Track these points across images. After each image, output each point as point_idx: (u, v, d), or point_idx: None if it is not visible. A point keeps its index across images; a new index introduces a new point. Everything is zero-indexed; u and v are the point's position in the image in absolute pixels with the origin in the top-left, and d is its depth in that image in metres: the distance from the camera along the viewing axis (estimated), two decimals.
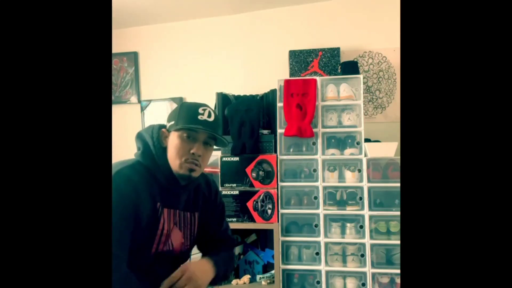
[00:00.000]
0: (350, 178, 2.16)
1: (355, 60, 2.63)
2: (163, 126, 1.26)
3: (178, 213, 1.25)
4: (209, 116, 1.21)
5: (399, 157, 1.89)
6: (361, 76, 2.23)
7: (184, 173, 1.19)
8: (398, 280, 2.07)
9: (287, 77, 2.68)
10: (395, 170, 2.11)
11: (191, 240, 1.32)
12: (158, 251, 1.20)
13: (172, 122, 1.22)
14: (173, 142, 1.20)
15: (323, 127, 2.21)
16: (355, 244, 2.14)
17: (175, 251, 1.25)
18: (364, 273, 2.10)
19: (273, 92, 2.36)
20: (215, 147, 1.29)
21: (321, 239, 2.15)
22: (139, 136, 1.26)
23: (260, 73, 2.79)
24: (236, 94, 2.51)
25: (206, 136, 1.21)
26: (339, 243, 2.16)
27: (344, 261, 2.14)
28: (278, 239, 2.17)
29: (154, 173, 1.20)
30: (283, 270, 2.17)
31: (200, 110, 1.21)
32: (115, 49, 3.05)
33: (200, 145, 1.20)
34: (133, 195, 1.11)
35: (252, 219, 2.23)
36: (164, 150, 1.22)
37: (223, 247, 1.39)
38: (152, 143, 1.22)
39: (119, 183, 1.10)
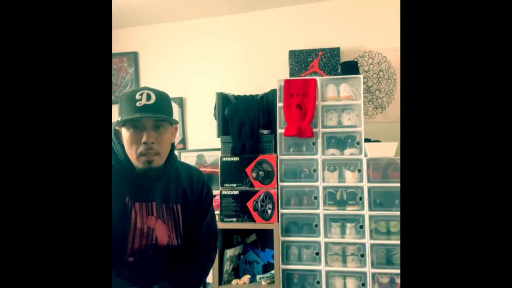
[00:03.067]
0: (350, 178, 2.16)
1: (355, 60, 2.63)
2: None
3: (155, 206, 1.21)
4: (148, 98, 1.13)
5: (399, 157, 1.89)
6: (361, 76, 2.23)
7: (144, 166, 1.14)
8: (398, 280, 2.07)
9: (287, 77, 2.68)
10: (395, 170, 2.11)
11: (178, 233, 1.25)
12: (139, 247, 1.16)
13: (118, 118, 1.18)
14: (124, 137, 1.17)
15: (323, 127, 2.21)
16: (355, 244, 2.14)
17: (159, 244, 1.20)
18: (364, 273, 2.10)
19: (273, 92, 2.36)
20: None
21: (321, 239, 2.15)
22: None
23: (260, 73, 2.79)
24: (236, 94, 2.51)
25: (152, 120, 1.14)
26: (339, 243, 2.16)
27: (344, 261, 2.14)
28: (278, 239, 2.17)
29: (121, 171, 1.16)
30: (283, 270, 2.17)
31: (137, 96, 1.13)
32: (115, 49, 3.05)
33: (150, 132, 1.13)
34: None
35: (252, 219, 2.23)
36: (122, 147, 1.18)
37: (195, 252, 1.30)
38: (112, 143, 1.19)
39: None
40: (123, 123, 1.15)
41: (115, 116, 1.26)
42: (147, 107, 1.12)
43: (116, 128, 1.21)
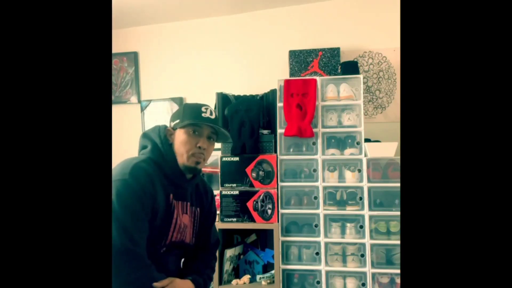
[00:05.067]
0: (350, 178, 2.16)
1: (355, 60, 2.63)
2: (167, 126, 1.38)
3: (188, 205, 1.37)
4: (211, 114, 1.34)
5: (399, 157, 1.89)
6: (361, 76, 2.23)
7: (191, 165, 1.31)
8: (398, 280, 2.07)
9: (287, 77, 2.68)
10: (395, 170, 2.11)
11: (194, 234, 1.42)
12: (172, 240, 1.30)
13: (177, 121, 1.34)
14: (179, 138, 1.32)
15: (323, 127, 2.21)
16: (355, 244, 2.14)
17: (185, 242, 1.36)
18: (364, 273, 2.10)
19: (273, 92, 2.36)
20: (215, 146, 1.41)
21: (321, 239, 2.15)
22: (146, 136, 1.36)
23: (260, 73, 2.79)
24: (236, 94, 2.51)
25: (210, 131, 1.34)
26: (339, 243, 2.16)
27: (344, 261, 2.14)
28: (278, 239, 2.17)
29: (163, 167, 1.30)
30: (283, 270, 2.17)
31: (203, 109, 1.33)
32: (115, 49, 3.05)
33: (205, 139, 1.32)
34: (150, 186, 1.21)
35: (252, 219, 2.23)
36: (170, 146, 1.33)
37: (206, 256, 1.48)
38: (160, 141, 1.32)
39: (138, 175, 1.20)
40: (185, 125, 1.31)
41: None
42: (210, 120, 1.33)
43: (168, 128, 1.36)
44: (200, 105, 1.35)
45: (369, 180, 2.13)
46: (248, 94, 2.51)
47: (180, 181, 1.33)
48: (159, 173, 1.28)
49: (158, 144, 1.32)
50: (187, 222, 1.36)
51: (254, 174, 2.25)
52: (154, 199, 1.22)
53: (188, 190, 1.38)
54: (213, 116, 1.34)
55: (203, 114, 1.32)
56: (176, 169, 1.32)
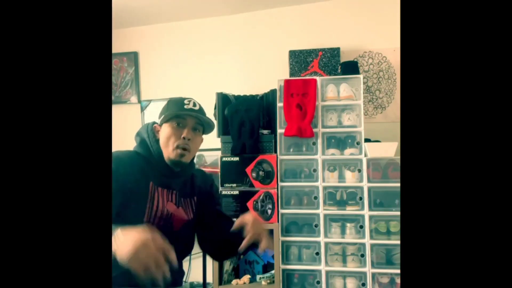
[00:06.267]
0: (350, 178, 2.16)
1: (355, 60, 2.63)
2: (156, 123, 1.40)
3: (175, 194, 1.36)
4: (194, 105, 1.35)
5: (399, 157, 1.89)
6: (361, 76, 2.23)
7: (175, 158, 1.31)
8: (398, 280, 2.07)
9: (287, 77, 2.68)
10: (395, 170, 2.11)
11: (191, 223, 1.41)
12: (156, 226, 1.25)
13: (162, 116, 1.35)
14: (164, 132, 1.34)
15: (323, 127, 2.21)
16: (355, 244, 2.14)
17: (174, 230, 1.34)
18: (364, 273, 2.10)
19: (273, 92, 2.36)
20: (203, 139, 1.42)
21: (321, 239, 2.15)
22: (138, 134, 1.41)
23: (260, 73, 2.79)
24: (236, 94, 2.51)
25: (194, 122, 1.34)
26: (339, 243, 2.16)
27: (344, 261, 2.14)
28: (278, 239, 2.17)
29: (150, 160, 1.33)
30: (283, 270, 2.17)
31: (186, 101, 1.34)
32: (115, 49, 3.05)
33: (190, 130, 1.33)
34: (120, 171, 1.21)
35: None
36: (157, 142, 1.36)
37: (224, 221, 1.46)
38: (147, 136, 1.37)
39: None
40: (169, 118, 1.32)
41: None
42: (193, 111, 1.34)
43: (155, 125, 1.38)
44: (183, 98, 1.36)
45: (369, 180, 2.13)
46: (248, 94, 2.51)
47: (167, 173, 1.35)
48: (143, 164, 1.31)
49: (146, 140, 1.36)
50: (173, 210, 1.35)
51: (254, 174, 2.25)
52: (124, 182, 1.21)
53: (176, 181, 1.38)
54: (196, 107, 1.35)
55: (185, 106, 1.33)
56: (162, 163, 1.33)
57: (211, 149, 2.73)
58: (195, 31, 2.97)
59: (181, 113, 1.32)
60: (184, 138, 1.31)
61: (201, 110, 1.37)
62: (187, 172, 1.42)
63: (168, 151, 1.32)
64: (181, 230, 1.37)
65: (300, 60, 2.70)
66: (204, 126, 1.38)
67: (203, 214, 1.45)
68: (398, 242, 2.03)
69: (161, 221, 1.31)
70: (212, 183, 1.55)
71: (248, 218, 1.28)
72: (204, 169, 2.74)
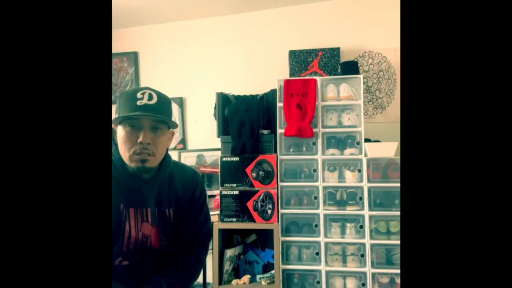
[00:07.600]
0: (350, 178, 2.16)
1: (355, 60, 2.63)
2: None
3: (150, 212, 1.17)
4: (150, 98, 1.11)
5: (399, 157, 1.89)
6: (361, 76, 2.23)
7: (136, 165, 1.10)
8: (398, 280, 2.07)
9: (287, 77, 2.68)
10: (395, 170, 2.11)
11: (170, 237, 1.23)
12: (134, 252, 1.15)
13: (116, 116, 1.14)
14: (119, 136, 1.12)
15: (323, 127, 2.21)
16: (355, 244, 2.14)
17: (153, 248, 1.19)
18: (364, 273, 2.10)
19: (273, 92, 2.36)
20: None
21: (321, 239, 2.15)
22: None
23: (260, 73, 2.79)
24: (236, 94, 2.51)
25: (150, 120, 1.11)
26: (339, 243, 2.16)
27: (344, 261, 2.14)
28: (278, 239, 2.17)
29: (113, 173, 1.10)
30: (283, 270, 2.17)
31: (139, 95, 1.10)
32: (115, 49, 3.05)
33: (147, 132, 1.10)
34: None
35: (252, 219, 2.23)
36: (116, 146, 1.14)
37: (183, 255, 1.26)
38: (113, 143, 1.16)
39: None
40: (120, 120, 1.11)
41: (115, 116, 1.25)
42: (147, 107, 1.09)
43: (113, 126, 1.16)
44: (136, 91, 1.12)
45: (369, 180, 2.13)
46: (248, 94, 2.51)
47: (135, 184, 1.14)
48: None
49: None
50: (148, 231, 1.17)
51: (254, 174, 2.25)
52: None
53: (147, 193, 1.17)
54: (152, 101, 1.10)
55: (138, 102, 1.09)
56: (126, 173, 1.12)
57: (211, 149, 2.74)
58: (195, 31, 2.97)
59: (131, 115, 1.08)
60: (141, 143, 1.09)
61: (159, 103, 1.12)
62: (161, 176, 1.19)
63: (126, 158, 1.11)
64: (160, 248, 1.21)
65: (300, 60, 2.70)
66: (167, 122, 1.14)
67: (178, 233, 1.25)
68: (398, 242, 2.03)
69: (138, 247, 1.16)
70: (195, 187, 1.29)
71: None
72: (204, 169, 2.75)
